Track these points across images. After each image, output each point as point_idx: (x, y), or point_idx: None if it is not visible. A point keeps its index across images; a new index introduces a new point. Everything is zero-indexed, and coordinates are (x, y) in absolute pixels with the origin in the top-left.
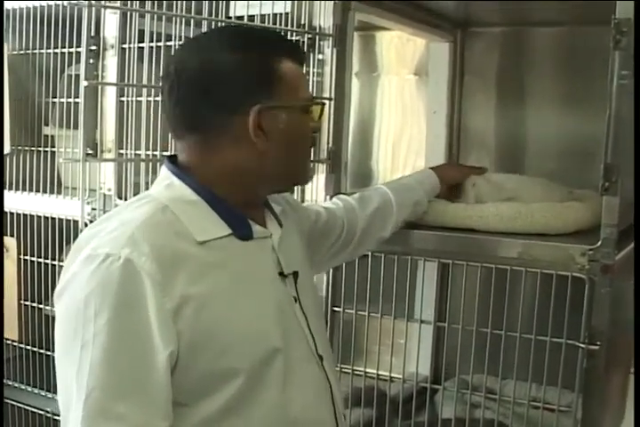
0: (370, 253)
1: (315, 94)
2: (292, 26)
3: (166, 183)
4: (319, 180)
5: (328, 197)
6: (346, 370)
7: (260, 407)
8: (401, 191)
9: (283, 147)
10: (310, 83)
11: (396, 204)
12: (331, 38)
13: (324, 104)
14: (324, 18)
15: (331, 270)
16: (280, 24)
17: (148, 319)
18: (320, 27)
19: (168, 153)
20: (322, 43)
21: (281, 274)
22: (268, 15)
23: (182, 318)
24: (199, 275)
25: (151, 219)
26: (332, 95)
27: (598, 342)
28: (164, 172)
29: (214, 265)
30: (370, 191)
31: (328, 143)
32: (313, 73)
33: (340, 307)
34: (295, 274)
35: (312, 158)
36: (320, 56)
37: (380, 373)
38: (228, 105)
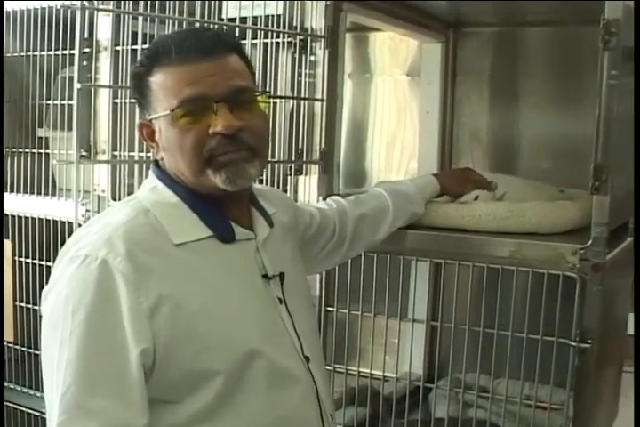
0: (362, 253)
1: (307, 95)
2: (284, 27)
3: (151, 186)
4: (312, 181)
5: (321, 198)
6: (339, 370)
7: (244, 408)
8: (400, 201)
9: (171, 155)
10: (302, 84)
11: (393, 213)
12: (323, 40)
13: (206, 105)
14: (316, 19)
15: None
16: (272, 26)
17: (121, 318)
18: (312, 28)
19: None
20: (314, 44)
21: (265, 276)
22: (260, 17)
23: (159, 318)
24: (176, 276)
25: (132, 221)
26: (324, 96)
27: (589, 340)
28: (151, 175)
29: (192, 267)
30: (367, 194)
31: (320, 144)
32: (305, 74)
33: (333, 306)
34: (282, 275)
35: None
36: (312, 57)
37: (374, 372)
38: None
